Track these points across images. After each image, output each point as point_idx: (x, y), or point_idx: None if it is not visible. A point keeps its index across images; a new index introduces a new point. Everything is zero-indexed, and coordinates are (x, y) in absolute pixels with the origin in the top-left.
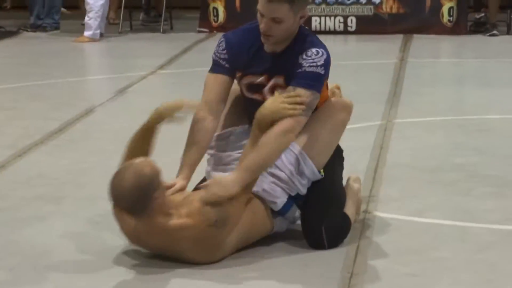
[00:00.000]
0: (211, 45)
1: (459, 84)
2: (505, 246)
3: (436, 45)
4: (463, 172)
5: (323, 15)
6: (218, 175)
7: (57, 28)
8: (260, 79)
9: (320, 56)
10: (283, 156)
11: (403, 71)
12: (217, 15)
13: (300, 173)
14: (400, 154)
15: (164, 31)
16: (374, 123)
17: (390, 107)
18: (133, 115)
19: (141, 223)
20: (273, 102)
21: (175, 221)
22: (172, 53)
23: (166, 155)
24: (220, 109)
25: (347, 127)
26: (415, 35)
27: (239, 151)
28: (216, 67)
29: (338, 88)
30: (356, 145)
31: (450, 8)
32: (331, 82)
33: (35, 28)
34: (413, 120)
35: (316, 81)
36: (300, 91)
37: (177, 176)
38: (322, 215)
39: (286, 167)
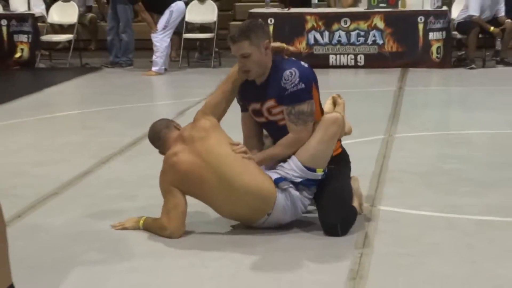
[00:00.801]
0: None
1: (446, 107)
2: (484, 233)
3: (427, 76)
4: (449, 176)
5: (338, 53)
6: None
7: (130, 64)
8: (257, 105)
9: (294, 75)
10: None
11: (401, 97)
12: None
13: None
14: (399, 162)
15: (214, 66)
16: (378, 137)
17: (391, 124)
18: None
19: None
20: None
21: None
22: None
23: None
24: (254, 140)
25: (359, 140)
26: (410, 69)
27: None
28: (241, 107)
29: (339, 96)
30: (365, 154)
31: (438, 47)
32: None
33: (114, 64)
34: (409, 135)
35: (303, 94)
36: (298, 106)
37: None
38: (337, 214)
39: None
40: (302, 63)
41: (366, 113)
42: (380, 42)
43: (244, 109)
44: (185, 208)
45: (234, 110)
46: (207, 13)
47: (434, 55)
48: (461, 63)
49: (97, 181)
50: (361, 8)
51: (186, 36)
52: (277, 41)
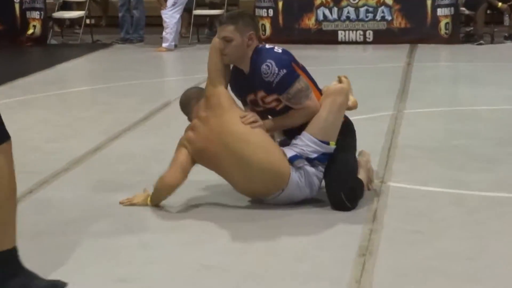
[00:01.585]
0: None
1: (454, 83)
2: (492, 209)
3: (435, 52)
4: (458, 152)
5: (347, 29)
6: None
7: (141, 41)
8: (252, 95)
9: (272, 67)
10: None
11: (410, 73)
12: (264, 30)
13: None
14: (408, 138)
15: None
16: (387, 113)
17: (400, 100)
18: None
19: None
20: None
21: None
22: None
23: None
24: None
25: (367, 115)
26: (419, 45)
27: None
28: (242, 103)
29: (346, 77)
30: (373, 130)
31: (446, 23)
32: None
33: (125, 41)
34: (418, 110)
35: (289, 77)
36: (291, 89)
37: None
38: (341, 183)
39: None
40: (275, 49)
41: (375, 89)
42: (389, 18)
43: (244, 103)
44: (186, 162)
45: None
46: None
47: (443, 31)
48: (470, 39)
49: (108, 156)
50: None
51: (196, 13)
52: (284, 17)
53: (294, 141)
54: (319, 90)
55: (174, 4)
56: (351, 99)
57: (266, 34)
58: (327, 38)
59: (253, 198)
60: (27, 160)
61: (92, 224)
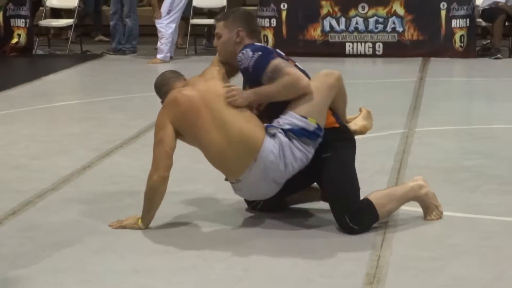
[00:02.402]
0: None
1: (469, 99)
2: (508, 235)
3: (449, 67)
4: (472, 173)
5: (355, 41)
6: None
7: (134, 52)
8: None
9: (245, 53)
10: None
11: (422, 88)
12: (267, 41)
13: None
14: (419, 157)
15: None
16: (397, 131)
17: (411, 118)
18: None
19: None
20: None
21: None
22: None
23: None
24: None
25: (375, 134)
26: (432, 58)
27: None
28: None
29: (369, 111)
30: (382, 149)
31: (461, 36)
32: (362, 97)
33: (116, 51)
34: (430, 129)
35: (263, 58)
36: (268, 69)
37: None
38: (341, 206)
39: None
40: (257, 43)
41: (385, 105)
42: (400, 29)
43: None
44: (170, 145)
45: None
46: None
47: (457, 44)
48: (486, 52)
49: (98, 176)
50: None
51: (193, 22)
52: (288, 27)
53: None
54: None
55: (169, 12)
56: (359, 124)
57: (269, 46)
58: (334, 50)
59: (224, 173)
60: (10, 178)
61: (79, 248)
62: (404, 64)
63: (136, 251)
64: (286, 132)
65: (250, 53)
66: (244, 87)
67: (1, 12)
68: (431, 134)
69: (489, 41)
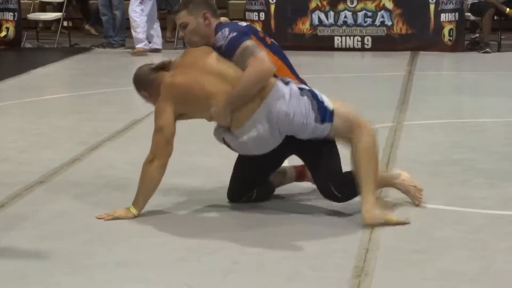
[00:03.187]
0: None
1: (458, 93)
2: (495, 228)
3: (438, 61)
4: (460, 166)
5: (344, 35)
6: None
7: (123, 45)
8: None
9: (224, 32)
10: None
11: (411, 82)
12: None
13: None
14: (408, 151)
15: None
16: (386, 125)
17: (399, 111)
18: None
19: None
20: None
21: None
22: None
23: None
24: None
25: None
26: (420, 52)
27: None
28: None
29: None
30: None
31: (450, 30)
32: (351, 91)
33: (105, 45)
34: (419, 122)
35: (238, 39)
36: (239, 50)
37: None
38: (328, 174)
39: None
40: (239, 23)
41: (373, 99)
42: (389, 23)
43: None
44: (171, 132)
45: None
46: None
47: (446, 38)
48: (475, 46)
49: (86, 169)
50: None
51: None
52: (277, 21)
53: None
54: (297, 76)
55: (141, 2)
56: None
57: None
58: (323, 44)
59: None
60: None
61: (67, 241)
62: (393, 58)
63: (124, 244)
64: (302, 89)
65: (227, 33)
66: None
67: None
68: (419, 128)
69: (478, 35)
